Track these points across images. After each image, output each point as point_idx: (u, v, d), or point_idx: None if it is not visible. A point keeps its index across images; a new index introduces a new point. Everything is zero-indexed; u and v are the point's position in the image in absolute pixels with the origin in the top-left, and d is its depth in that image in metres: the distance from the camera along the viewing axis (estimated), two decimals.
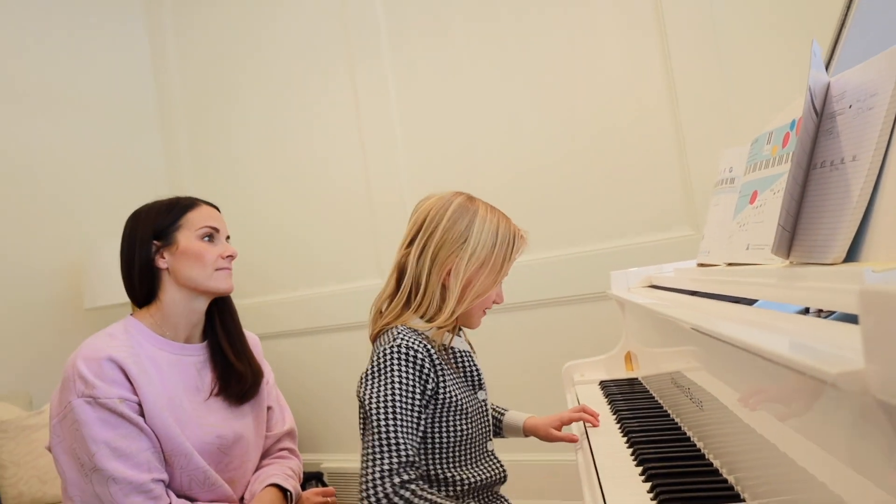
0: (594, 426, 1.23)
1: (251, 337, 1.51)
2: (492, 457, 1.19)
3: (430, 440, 1.08)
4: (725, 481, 0.81)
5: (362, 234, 2.71)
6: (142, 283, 1.34)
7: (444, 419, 1.08)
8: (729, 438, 0.82)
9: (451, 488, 1.09)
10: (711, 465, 0.88)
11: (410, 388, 1.03)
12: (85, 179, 2.94)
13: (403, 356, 1.04)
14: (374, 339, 1.15)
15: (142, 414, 1.21)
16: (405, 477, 0.96)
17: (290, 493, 1.35)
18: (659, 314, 1.07)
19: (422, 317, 1.13)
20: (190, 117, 3.22)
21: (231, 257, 1.38)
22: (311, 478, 2.57)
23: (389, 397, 1.01)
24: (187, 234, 1.34)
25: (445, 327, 1.11)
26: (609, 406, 1.34)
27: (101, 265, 2.62)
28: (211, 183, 3.14)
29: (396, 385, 1.02)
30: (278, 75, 2.93)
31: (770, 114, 1.14)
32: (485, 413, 1.17)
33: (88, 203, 2.92)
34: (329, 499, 1.45)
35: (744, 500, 0.75)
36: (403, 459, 0.97)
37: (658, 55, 2.11)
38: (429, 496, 0.96)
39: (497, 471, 1.17)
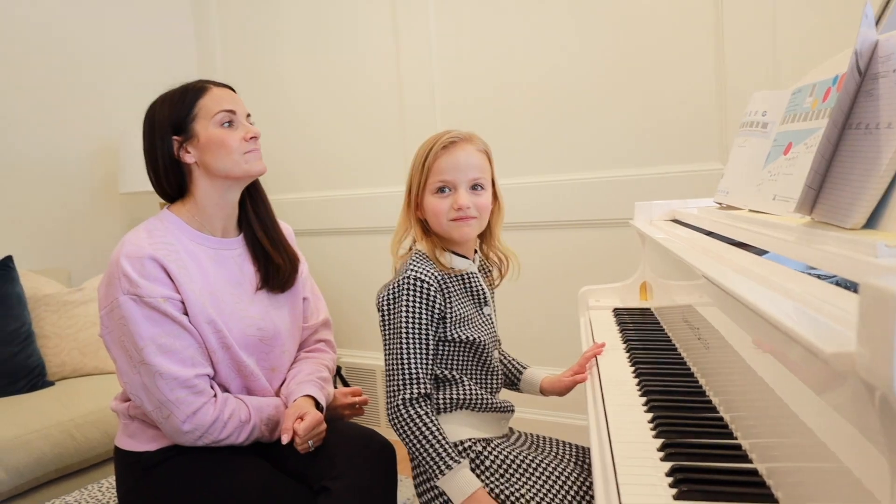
0: (584, 379, 1.26)
1: (284, 227, 1.51)
2: (498, 374, 1.30)
3: (441, 348, 1.21)
4: (721, 419, 0.88)
5: (392, 141, 2.72)
6: (170, 181, 1.34)
7: (452, 330, 1.20)
8: (729, 379, 0.88)
9: (456, 390, 1.21)
10: (710, 402, 0.95)
11: (419, 316, 1.17)
12: (119, 63, 2.96)
13: (413, 287, 1.17)
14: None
15: (185, 312, 1.26)
16: (417, 407, 1.13)
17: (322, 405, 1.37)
18: (676, 256, 1.10)
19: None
20: (223, 6, 3.18)
21: (255, 138, 1.34)
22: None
23: (403, 327, 1.16)
24: (205, 124, 1.31)
25: (437, 247, 1.24)
26: (620, 335, 1.40)
27: (132, 152, 2.67)
28: (243, 76, 3.13)
29: (407, 315, 1.17)
30: None
31: (812, 64, 1.13)
32: (491, 325, 1.29)
33: (120, 87, 2.94)
34: (357, 398, 1.52)
35: (735, 438, 0.82)
36: (416, 391, 1.14)
37: None
38: (431, 423, 1.12)
39: (497, 384, 1.30)
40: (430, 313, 1.18)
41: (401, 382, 1.15)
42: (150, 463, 1.30)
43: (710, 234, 1.24)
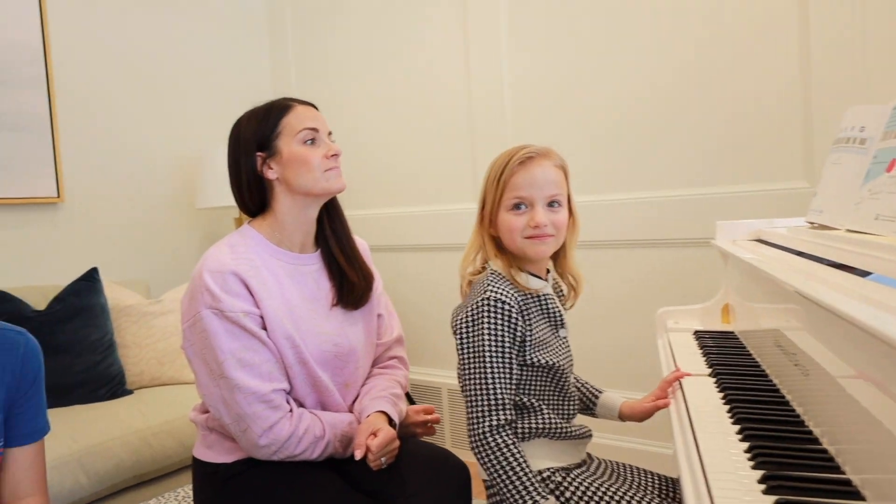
0: (667, 405, 1.21)
1: (360, 243, 1.52)
2: (573, 401, 1.27)
3: (520, 373, 1.18)
4: (825, 451, 0.83)
5: (460, 157, 2.73)
6: (252, 196, 1.37)
7: (531, 355, 1.17)
8: (832, 408, 0.82)
9: (534, 418, 1.17)
10: (811, 432, 0.89)
11: (501, 339, 1.14)
12: (198, 82, 3.07)
13: (494, 308, 1.15)
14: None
15: (264, 327, 1.28)
16: (504, 435, 1.11)
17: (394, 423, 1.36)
18: (769, 276, 1.05)
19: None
20: (297, 24, 3.27)
21: (336, 156, 1.36)
22: None
23: (486, 351, 1.13)
24: (288, 141, 1.33)
25: (513, 266, 1.21)
26: (704, 359, 1.34)
27: (209, 167, 2.76)
28: (315, 93, 3.17)
29: (489, 338, 1.13)
30: None
31: None
32: (567, 349, 1.26)
33: (198, 106, 3.05)
34: (429, 416, 1.50)
35: (844, 473, 0.77)
36: (501, 417, 1.11)
37: None
38: (518, 453, 1.10)
39: (573, 409, 1.27)
40: (511, 336, 1.15)
41: (485, 408, 1.12)
42: (227, 475, 1.32)
43: (800, 254, 1.18)
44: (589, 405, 1.38)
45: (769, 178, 2.03)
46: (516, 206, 1.18)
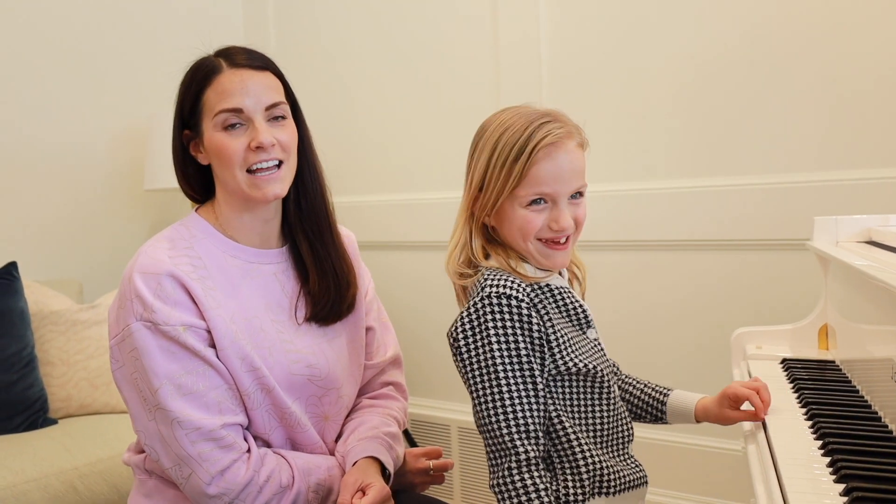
0: (758, 418, 1.22)
1: (346, 234, 1.49)
2: (624, 420, 1.24)
3: (545, 389, 1.14)
4: None
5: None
6: (189, 181, 1.38)
7: (562, 358, 1.14)
8: None
9: (574, 464, 1.13)
10: None
11: (513, 344, 1.10)
12: (153, 38, 3.07)
13: (499, 306, 1.12)
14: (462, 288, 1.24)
15: (212, 344, 1.25)
16: (535, 475, 1.07)
17: (389, 472, 1.33)
18: (885, 286, 1.02)
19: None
20: None
21: (261, 148, 1.25)
22: None
23: (498, 362, 1.10)
24: (208, 124, 1.29)
25: (512, 258, 1.19)
26: (795, 395, 1.32)
27: (160, 140, 2.73)
28: (297, 54, 3.18)
29: (499, 344, 1.10)
30: None
31: None
32: (602, 356, 1.23)
33: (150, 63, 3.04)
34: (434, 462, 1.47)
35: None
36: (530, 449, 1.07)
37: None
38: (551, 500, 1.07)
39: (627, 431, 1.23)
40: (527, 339, 1.11)
41: (506, 440, 1.08)
42: None
43: None
44: (652, 411, 1.34)
45: (885, 163, 1.99)
46: (535, 202, 1.17)
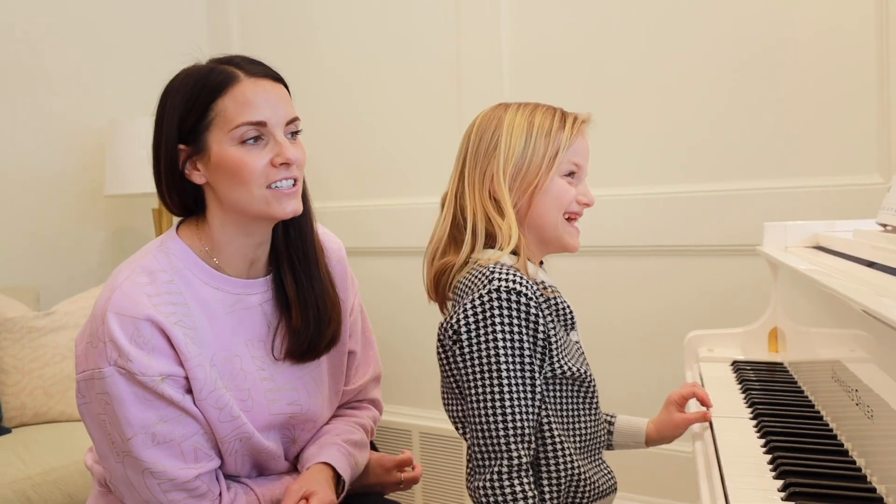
0: (706, 417, 1.25)
1: (332, 244, 1.40)
2: (602, 426, 1.24)
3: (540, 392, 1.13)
4: None
5: (445, 139, 2.71)
6: (172, 197, 1.24)
7: (558, 362, 1.13)
8: None
9: (555, 466, 1.12)
10: (875, 490, 0.89)
11: (519, 345, 1.08)
12: (112, 40, 3.03)
13: (506, 301, 1.08)
14: (439, 292, 1.24)
15: (190, 389, 1.18)
16: (524, 480, 1.05)
17: (343, 480, 1.29)
18: (830, 291, 1.04)
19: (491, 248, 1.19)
20: None
21: (287, 164, 1.16)
22: None
23: (501, 361, 1.07)
24: (219, 137, 1.15)
25: (525, 254, 1.17)
26: (743, 396, 1.34)
27: (123, 143, 2.71)
28: (265, 53, 3.16)
29: (505, 343, 1.07)
30: None
31: None
32: (582, 357, 1.22)
33: (110, 66, 3.01)
34: (405, 475, 1.45)
35: None
36: (522, 454, 1.05)
37: None
38: None
39: (604, 437, 1.25)
40: (531, 341, 1.09)
41: (500, 443, 1.05)
42: None
43: (871, 264, 1.19)
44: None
45: (832, 171, 2.04)
46: (569, 175, 1.20)
